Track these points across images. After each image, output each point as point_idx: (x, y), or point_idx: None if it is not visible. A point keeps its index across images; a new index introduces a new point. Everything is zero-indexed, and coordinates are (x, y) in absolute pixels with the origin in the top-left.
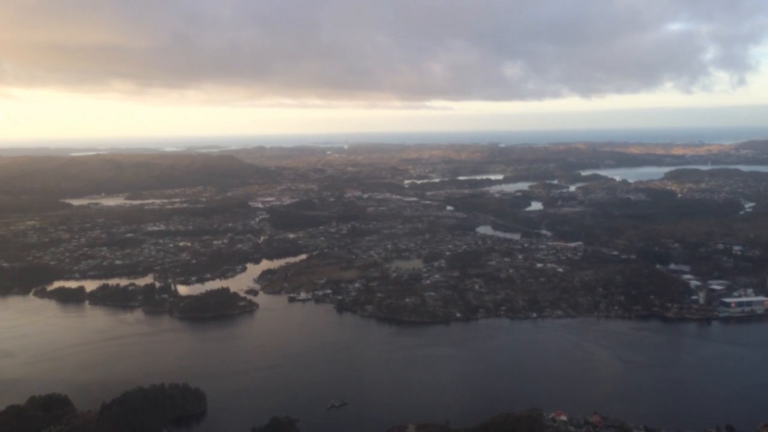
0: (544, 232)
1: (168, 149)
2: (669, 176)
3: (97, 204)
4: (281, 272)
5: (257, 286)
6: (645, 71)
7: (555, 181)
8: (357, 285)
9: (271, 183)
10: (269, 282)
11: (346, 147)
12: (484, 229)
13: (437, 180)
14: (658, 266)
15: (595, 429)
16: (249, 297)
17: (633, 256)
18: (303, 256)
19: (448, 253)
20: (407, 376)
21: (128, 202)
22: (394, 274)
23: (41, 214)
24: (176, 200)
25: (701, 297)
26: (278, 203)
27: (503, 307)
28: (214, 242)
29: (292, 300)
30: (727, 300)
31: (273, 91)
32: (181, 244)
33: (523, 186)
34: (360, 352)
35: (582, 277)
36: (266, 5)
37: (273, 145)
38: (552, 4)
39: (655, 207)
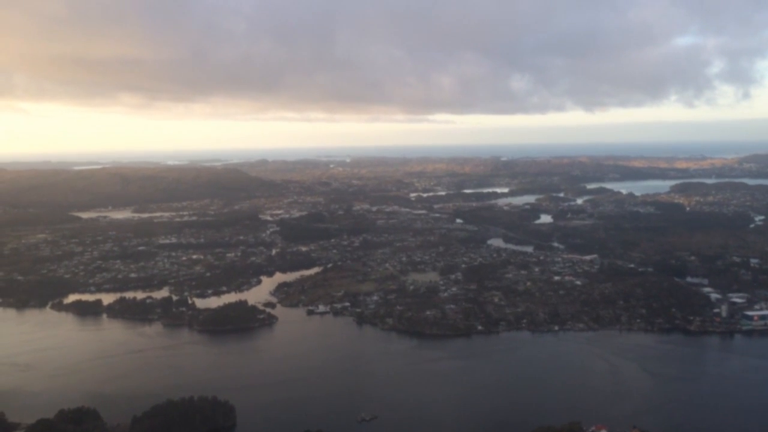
0: (555, 244)
1: (170, 162)
2: (675, 189)
3: (105, 217)
4: (297, 285)
5: (274, 299)
6: (651, 85)
7: (561, 194)
8: (375, 298)
9: (277, 196)
10: (286, 295)
11: (348, 160)
12: (495, 242)
13: (443, 193)
14: (675, 279)
15: None
16: (267, 310)
17: (650, 269)
18: (316, 269)
19: (463, 265)
20: (435, 389)
21: (136, 215)
22: (411, 287)
23: (51, 227)
24: (184, 213)
25: (723, 310)
26: (287, 216)
27: (524, 320)
28: (227, 255)
29: (310, 313)
30: (750, 313)
31: (281, 104)
32: (194, 257)
33: (530, 199)
34: (384, 365)
35: (602, 290)
36: (284, 19)
37: (276, 159)
38: (567, 17)
39: (666, 220)
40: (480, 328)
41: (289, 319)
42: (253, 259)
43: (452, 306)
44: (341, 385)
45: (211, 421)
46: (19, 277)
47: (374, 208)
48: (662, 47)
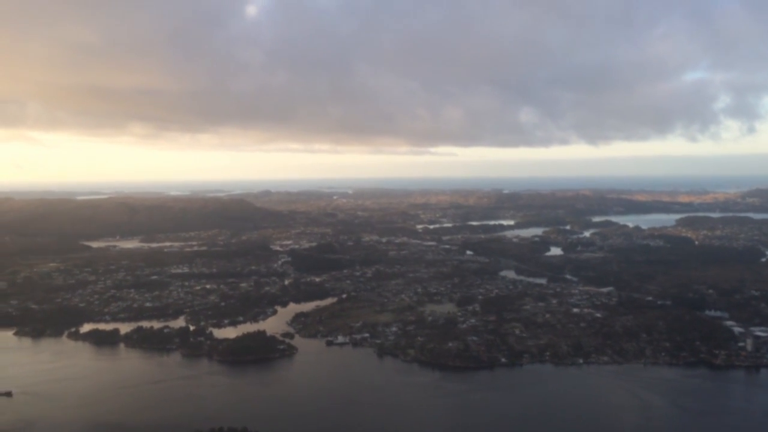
0: (568, 277)
1: (173, 193)
2: (681, 223)
3: (115, 246)
4: (314, 315)
5: (292, 330)
6: (658, 119)
7: (567, 227)
8: (394, 329)
9: (284, 227)
10: (304, 325)
11: (350, 191)
12: (507, 274)
13: (449, 225)
14: (696, 313)
15: None
16: (286, 340)
17: (668, 302)
18: (330, 300)
19: (480, 297)
20: (464, 422)
21: (145, 245)
22: (429, 318)
23: (62, 256)
24: (193, 243)
25: (748, 344)
26: (297, 247)
27: (547, 353)
28: (241, 285)
29: (329, 344)
30: None
31: (290, 135)
32: (208, 286)
33: (536, 231)
34: (410, 397)
35: (623, 322)
36: (301, 50)
37: (279, 190)
38: (583, 52)
39: (676, 253)
40: (503, 360)
41: (309, 349)
42: (267, 289)
43: (474, 338)
44: (370, 417)
45: None
46: (34, 306)
47: (384, 240)
48: (673, 82)
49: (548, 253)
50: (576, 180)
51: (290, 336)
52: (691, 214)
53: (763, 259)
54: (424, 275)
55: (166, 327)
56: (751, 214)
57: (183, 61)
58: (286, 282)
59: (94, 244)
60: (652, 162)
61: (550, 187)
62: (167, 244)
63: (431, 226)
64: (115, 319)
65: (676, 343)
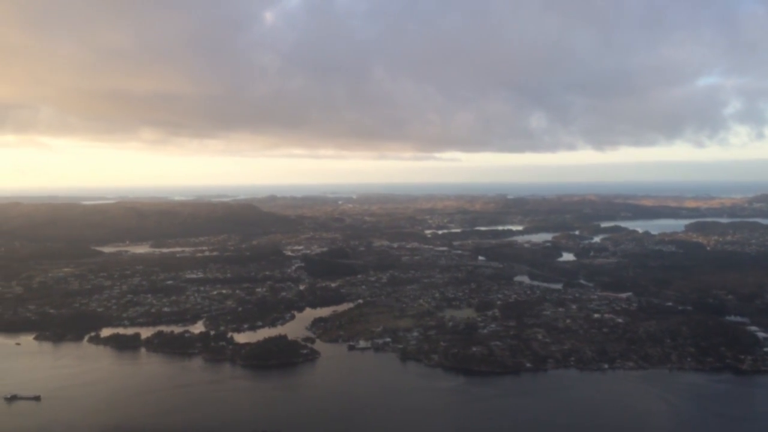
0: (582, 282)
1: (177, 198)
2: (691, 228)
3: (126, 251)
4: (333, 320)
5: (312, 334)
6: (668, 124)
7: (577, 232)
8: (415, 334)
9: (293, 232)
10: (324, 330)
11: (354, 197)
12: (521, 279)
13: (458, 230)
14: (719, 318)
15: None
16: (308, 345)
17: (689, 308)
18: (347, 305)
19: (499, 302)
20: (503, 426)
21: (156, 250)
22: (450, 323)
23: (75, 261)
24: (204, 248)
25: None
26: (309, 252)
27: (572, 358)
28: (257, 290)
29: (351, 348)
30: None
31: (300, 140)
32: (224, 291)
33: (546, 237)
34: (439, 401)
35: (646, 327)
36: (318, 56)
37: (283, 195)
38: (600, 57)
39: (690, 259)
40: (528, 365)
41: (331, 354)
42: (284, 294)
43: (498, 343)
44: (401, 422)
45: None
46: (52, 311)
47: (395, 245)
48: (686, 87)
49: (561, 259)
50: (580, 185)
51: (311, 341)
52: (700, 220)
53: None
54: (438, 280)
55: (187, 332)
56: (759, 220)
57: (204, 65)
58: (302, 287)
59: (105, 249)
60: (657, 168)
61: (554, 193)
62: (178, 249)
63: (440, 231)
64: (133, 324)
65: (701, 349)
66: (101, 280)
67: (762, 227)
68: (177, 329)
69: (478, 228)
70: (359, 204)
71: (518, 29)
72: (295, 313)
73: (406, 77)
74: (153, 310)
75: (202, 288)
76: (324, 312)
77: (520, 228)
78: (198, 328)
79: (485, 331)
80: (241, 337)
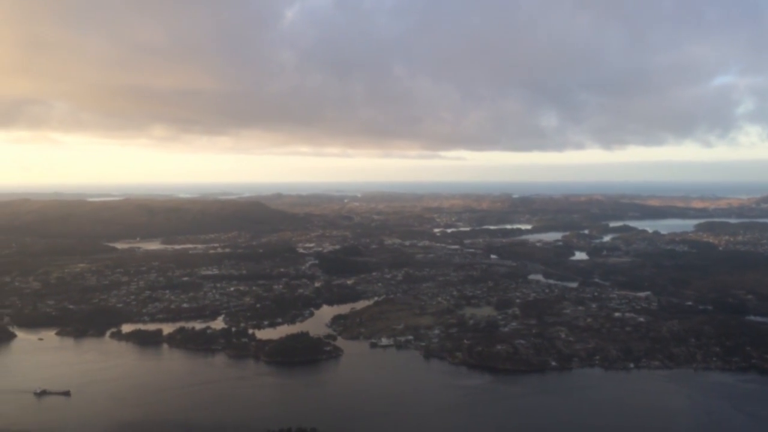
0: (597, 281)
1: (182, 195)
2: (700, 228)
3: (138, 248)
4: (353, 317)
5: (332, 331)
6: (680, 124)
7: (586, 231)
8: (436, 331)
9: (302, 229)
10: (344, 327)
11: (359, 195)
12: (536, 278)
13: (467, 229)
14: (741, 318)
15: None
16: (331, 342)
17: (710, 307)
18: (364, 302)
19: (518, 300)
20: (535, 425)
21: (168, 246)
22: (471, 321)
23: (89, 257)
24: (215, 245)
25: None
26: (321, 249)
27: (597, 357)
28: (274, 287)
29: (373, 346)
30: None
31: (310, 138)
32: (241, 288)
33: (555, 236)
34: (469, 399)
35: (669, 327)
36: (338, 53)
37: (289, 192)
38: (619, 56)
39: (704, 258)
40: (554, 364)
41: (354, 351)
42: (301, 291)
43: (522, 341)
44: (433, 419)
45: None
46: (71, 306)
47: (407, 243)
48: (702, 86)
49: (573, 258)
50: (585, 185)
51: (333, 338)
52: (709, 220)
53: None
54: (454, 278)
55: (208, 328)
56: (767, 220)
57: (227, 62)
58: (317, 284)
59: (117, 246)
60: (664, 168)
61: (559, 192)
62: (189, 246)
63: (448, 230)
64: (153, 320)
65: (726, 348)
66: (118, 276)
67: None
68: (198, 325)
69: (486, 227)
70: (365, 202)
71: (546, 28)
72: (313, 310)
73: (426, 75)
74: (172, 306)
75: (218, 284)
76: (342, 309)
77: (528, 227)
78: (218, 324)
79: (506, 329)
80: (261, 334)
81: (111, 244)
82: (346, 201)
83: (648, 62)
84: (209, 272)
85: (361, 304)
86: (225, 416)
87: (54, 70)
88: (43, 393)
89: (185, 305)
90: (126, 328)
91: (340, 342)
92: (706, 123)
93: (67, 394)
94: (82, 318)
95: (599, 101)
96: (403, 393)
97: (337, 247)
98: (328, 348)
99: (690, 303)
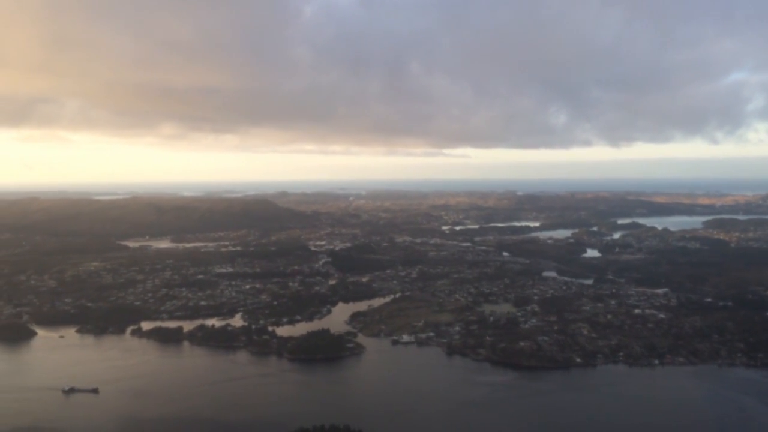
0: (611, 278)
1: (186, 194)
2: (709, 225)
3: (149, 246)
4: (372, 315)
5: (352, 329)
6: (691, 121)
7: (595, 229)
8: (457, 328)
9: (311, 227)
10: (364, 324)
11: (363, 193)
12: (549, 275)
13: (476, 226)
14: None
15: None
16: (352, 339)
17: (729, 304)
18: (380, 300)
19: (536, 297)
20: (568, 422)
21: (179, 245)
22: (491, 318)
23: (102, 256)
24: (226, 243)
25: None
26: (332, 247)
27: (621, 353)
28: (290, 285)
29: (395, 343)
30: None
31: (325, 136)
32: (257, 286)
33: (565, 233)
34: (495, 395)
35: (691, 323)
36: (355, 50)
37: (294, 191)
38: (636, 53)
39: (717, 255)
40: (578, 360)
41: (376, 348)
42: (317, 288)
43: (545, 338)
44: (465, 416)
45: None
46: (89, 304)
47: (417, 240)
48: (715, 83)
49: (586, 255)
50: (589, 182)
51: (353, 335)
52: (717, 217)
53: None
54: (468, 276)
55: (228, 325)
56: None
57: (246, 60)
58: (332, 282)
59: (128, 244)
60: (668, 165)
61: (562, 190)
62: (199, 244)
63: (457, 228)
64: (172, 318)
65: (750, 344)
66: (133, 274)
67: None
68: (214, 323)
69: (494, 224)
70: (371, 200)
71: (570, 25)
72: (330, 307)
73: (443, 73)
74: (190, 304)
75: (233, 282)
76: (358, 307)
77: (536, 224)
78: (236, 321)
79: (527, 325)
80: (281, 331)
81: (122, 243)
82: (351, 199)
83: (667, 59)
84: (223, 270)
85: (377, 302)
86: (256, 413)
87: (75, 67)
88: (71, 390)
89: (203, 303)
90: (145, 325)
91: (361, 339)
92: (716, 120)
93: (95, 391)
94: (101, 316)
95: (612, 98)
96: (429, 389)
97: (348, 244)
98: (350, 345)
99: (709, 299)
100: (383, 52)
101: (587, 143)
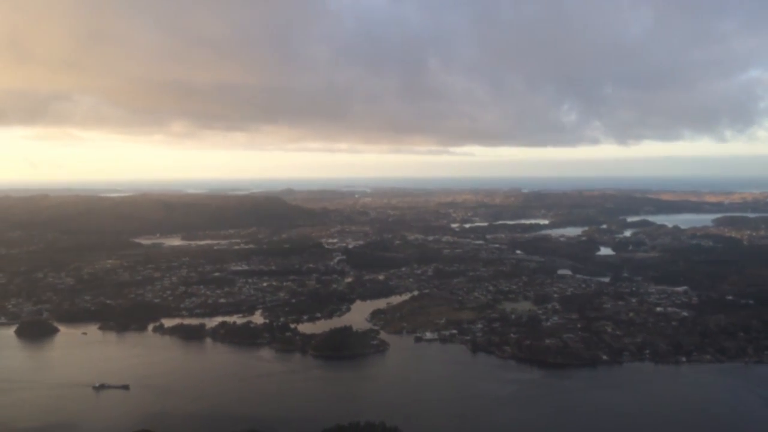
0: (627, 275)
1: (190, 191)
2: (719, 223)
3: (162, 243)
4: (392, 312)
5: (373, 326)
6: (703, 118)
7: (604, 226)
8: (479, 326)
9: (320, 225)
10: (385, 322)
11: (368, 191)
12: (565, 273)
13: (484, 224)
14: None
15: None
16: (376, 336)
17: (751, 301)
18: (397, 297)
19: (555, 295)
20: (603, 418)
21: (191, 242)
22: (512, 316)
23: (116, 253)
24: (237, 240)
25: None
26: (344, 245)
27: (647, 351)
28: (308, 282)
29: (418, 340)
30: None
31: (332, 134)
32: (274, 283)
33: (575, 231)
34: (525, 393)
35: (716, 321)
36: (380, 48)
37: (299, 188)
38: (656, 52)
39: (733, 253)
40: (605, 358)
41: (399, 345)
42: (335, 286)
43: (571, 335)
44: (498, 413)
45: None
46: (109, 302)
47: (430, 238)
48: (730, 80)
49: (599, 253)
50: (595, 180)
51: (376, 332)
52: (726, 214)
53: None
54: (484, 274)
55: (250, 322)
56: None
57: (268, 57)
58: (348, 279)
59: (141, 241)
60: (672, 162)
61: (568, 188)
62: (211, 241)
63: (466, 225)
64: (192, 315)
65: None
66: (149, 271)
67: None
68: (236, 320)
69: (503, 222)
70: (377, 198)
71: (597, 22)
72: (348, 305)
73: (462, 71)
74: (209, 301)
75: (250, 280)
76: (377, 304)
77: (545, 222)
78: (256, 319)
79: (548, 323)
80: (302, 328)
81: (134, 240)
82: (357, 196)
83: (689, 56)
84: (239, 268)
85: (395, 299)
86: (288, 409)
87: (103, 64)
88: (102, 387)
89: (222, 300)
90: (167, 322)
91: (384, 336)
92: (728, 117)
93: (126, 387)
94: (121, 313)
95: (625, 95)
96: (458, 386)
97: (361, 242)
98: (374, 342)
99: (730, 297)
100: (403, 49)
101: (594, 141)
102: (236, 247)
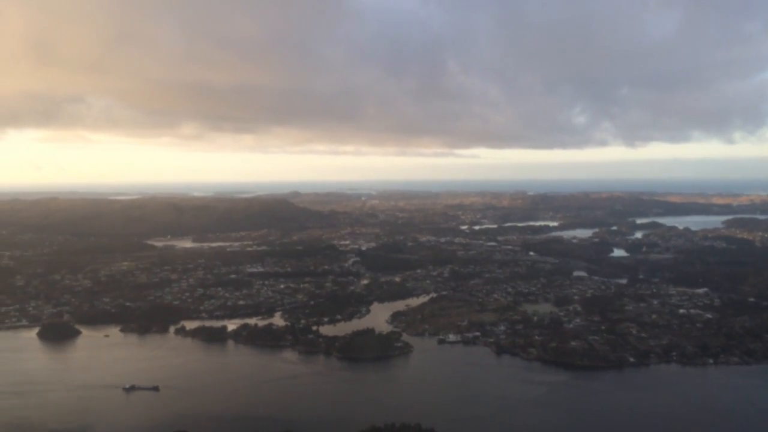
0: (642, 277)
1: (197, 194)
2: (731, 225)
3: (174, 246)
4: (412, 314)
5: (395, 328)
6: (715, 119)
7: (614, 228)
8: (502, 328)
9: (330, 227)
10: (407, 324)
11: (374, 193)
12: (580, 274)
13: (493, 226)
14: None
15: None
16: (399, 338)
17: None
18: (416, 299)
19: (576, 297)
20: (635, 420)
21: (203, 244)
22: (535, 318)
23: (131, 255)
24: (249, 243)
25: None
26: (356, 246)
27: (674, 353)
28: (325, 284)
29: (441, 342)
30: None
31: (340, 136)
32: (292, 285)
33: (585, 232)
34: (555, 395)
35: (741, 323)
36: (397, 49)
37: (305, 191)
38: (672, 53)
39: (747, 254)
40: (632, 360)
41: (423, 347)
42: (352, 288)
43: (596, 337)
44: (528, 415)
45: None
46: (128, 304)
47: (442, 240)
48: (744, 81)
49: (613, 254)
50: (600, 183)
51: (398, 334)
52: (736, 216)
53: None
54: (500, 275)
55: (272, 324)
56: None
57: (287, 59)
58: (365, 281)
59: (157, 244)
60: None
61: (574, 190)
62: (223, 243)
63: (476, 227)
64: (212, 317)
65: None
66: (166, 273)
67: None
68: (257, 322)
69: (513, 224)
70: (384, 200)
71: (622, 23)
72: (368, 307)
73: (479, 72)
74: (228, 303)
75: (266, 282)
76: (395, 306)
77: (554, 224)
78: (277, 321)
79: (571, 325)
80: (324, 330)
81: (146, 242)
82: (363, 198)
83: (709, 56)
84: (255, 270)
85: (413, 302)
86: (317, 411)
87: (126, 65)
88: (132, 388)
89: (241, 302)
90: (188, 324)
91: (406, 338)
92: (740, 118)
93: (155, 389)
94: (141, 315)
95: (639, 96)
96: (486, 388)
97: (373, 244)
98: (398, 344)
99: (753, 299)
100: (424, 51)
101: (602, 143)
102: (249, 249)
